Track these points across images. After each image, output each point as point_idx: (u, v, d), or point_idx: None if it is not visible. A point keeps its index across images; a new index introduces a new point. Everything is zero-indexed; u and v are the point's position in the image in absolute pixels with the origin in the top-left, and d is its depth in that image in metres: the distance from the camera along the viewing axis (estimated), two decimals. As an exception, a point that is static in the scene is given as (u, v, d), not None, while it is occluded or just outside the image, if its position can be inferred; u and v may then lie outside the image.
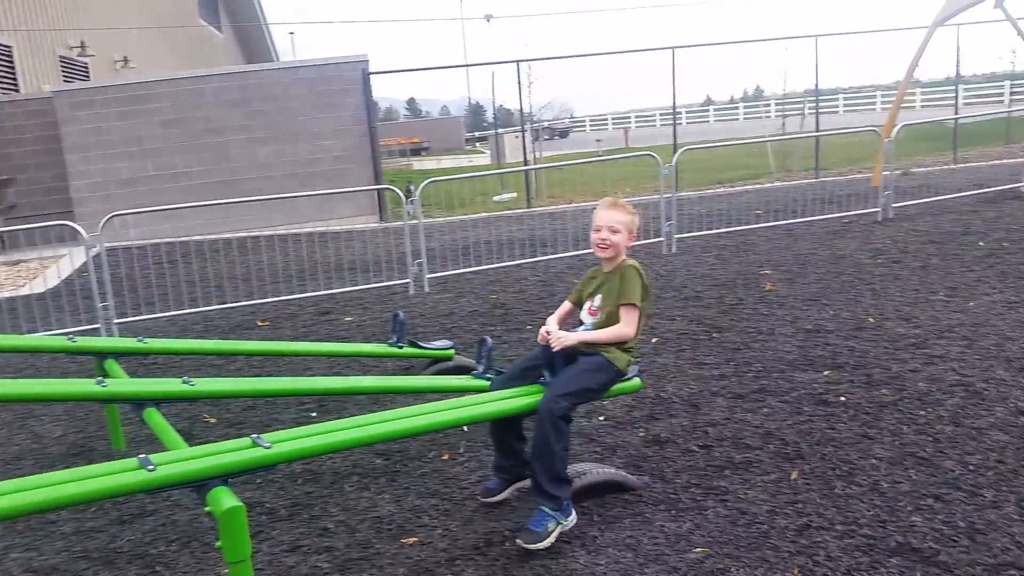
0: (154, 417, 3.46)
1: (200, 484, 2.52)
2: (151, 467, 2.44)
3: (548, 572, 2.85)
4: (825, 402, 4.09)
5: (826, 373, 4.52)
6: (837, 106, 41.58)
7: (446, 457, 3.94)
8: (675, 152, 12.50)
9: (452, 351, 5.15)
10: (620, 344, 3.33)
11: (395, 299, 7.79)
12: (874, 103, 40.66)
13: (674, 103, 15.94)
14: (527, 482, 3.50)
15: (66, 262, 9.33)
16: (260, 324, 7.22)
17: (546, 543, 3.02)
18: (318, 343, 5.17)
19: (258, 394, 3.92)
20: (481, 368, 4.34)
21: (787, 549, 2.83)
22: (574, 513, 3.17)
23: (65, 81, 16.57)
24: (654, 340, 5.50)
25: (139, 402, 3.56)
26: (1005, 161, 14.56)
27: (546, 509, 3.08)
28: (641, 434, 3.95)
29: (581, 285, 3.57)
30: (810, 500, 3.16)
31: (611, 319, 3.33)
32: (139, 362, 6.00)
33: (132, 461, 2.51)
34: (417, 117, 50.21)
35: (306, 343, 5.20)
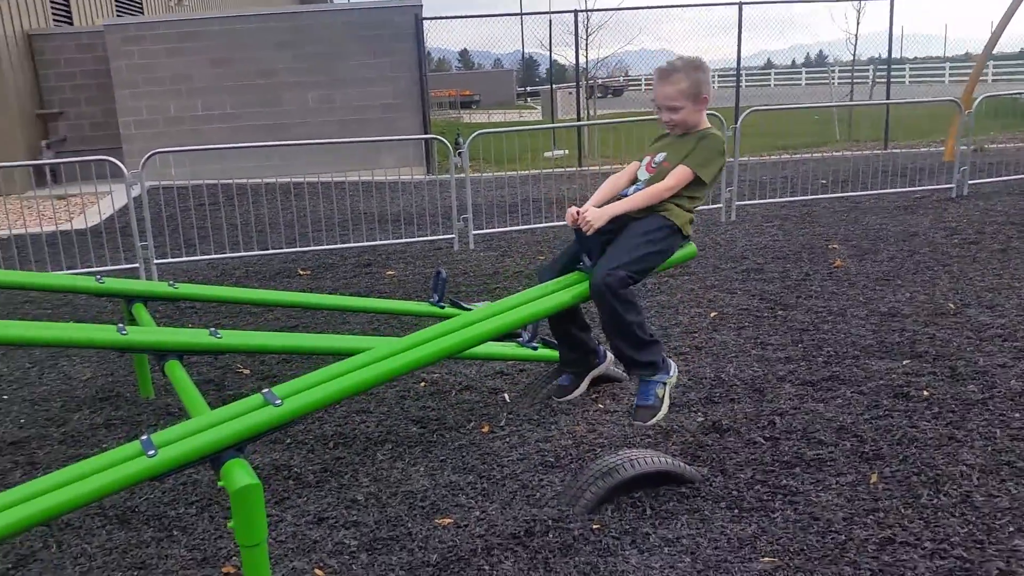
0: (176, 371, 3.22)
1: (212, 458, 2.26)
2: (152, 452, 2.18)
3: (596, 572, 2.56)
4: (905, 396, 3.71)
5: (905, 363, 4.12)
6: (903, 76, 39.87)
7: (486, 429, 3.66)
8: (737, 114, 11.94)
9: (496, 313, 4.85)
10: (677, 201, 2.94)
11: (439, 255, 7.50)
12: (943, 75, 38.91)
13: (738, 63, 15.25)
14: (602, 368, 3.24)
15: (111, 199, 9.21)
16: (301, 273, 7.01)
17: (663, 411, 2.93)
18: (356, 298, 4.90)
19: (289, 351, 3.66)
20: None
21: (868, 566, 2.50)
22: (673, 365, 3.01)
23: (118, 15, 16.40)
24: (712, 315, 5.13)
25: (161, 352, 3.32)
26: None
27: (647, 379, 2.92)
28: (700, 419, 3.62)
29: (651, 145, 3.18)
30: (892, 509, 2.81)
31: None
32: (170, 308, 5.82)
33: (133, 447, 2.25)
34: (469, 69, 49.36)
35: (345, 297, 4.93)
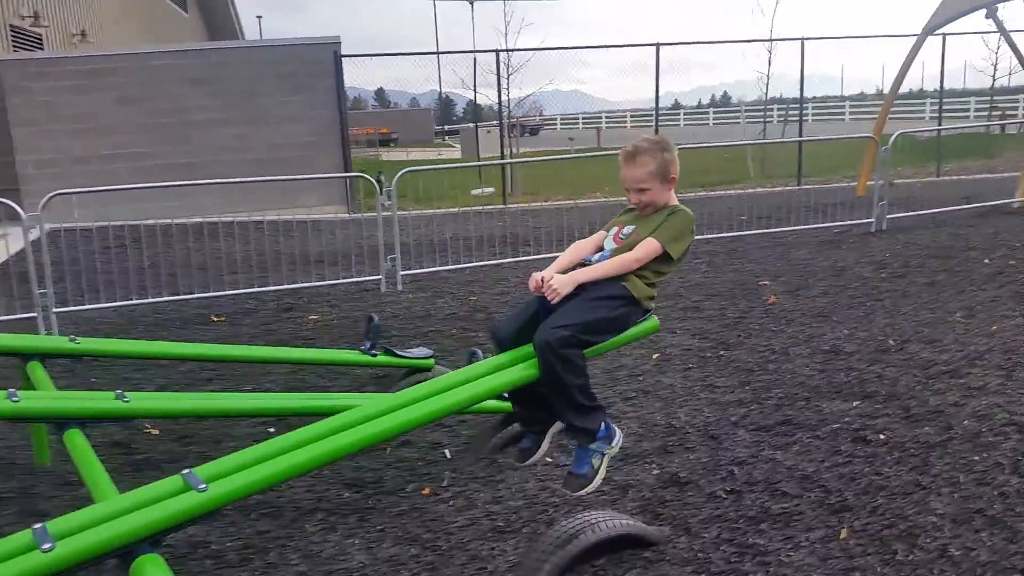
0: (76, 440, 2.83)
1: (122, 553, 1.91)
2: (48, 545, 1.83)
3: (562, 658, 2.30)
4: (864, 440, 3.59)
5: (855, 404, 4.02)
6: (807, 115, 41.55)
7: (427, 492, 3.37)
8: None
9: (432, 360, 4.57)
10: (640, 274, 2.79)
11: (365, 297, 7.17)
12: (843, 114, 40.73)
13: (656, 102, 15.49)
14: (559, 425, 2.98)
15: (6, 243, 8.59)
16: (215, 320, 6.57)
17: (596, 482, 2.71)
18: (279, 348, 4.54)
19: (204, 414, 3.29)
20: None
21: (856, 636, 2.31)
22: (617, 432, 2.76)
23: (14, 51, 15.57)
24: (656, 356, 4.97)
25: (59, 421, 2.93)
26: (987, 176, 14.35)
27: (584, 446, 2.69)
28: (656, 472, 3.41)
29: (617, 218, 3.05)
30: (870, 568, 2.64)
31: None
32: (71, 364, 5.31)
33: (24, 537, 1.89)
34: (386, 107, 49.17)
35: (265, 348, 4.57)
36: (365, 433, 2.40)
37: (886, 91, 16.78)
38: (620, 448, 2.78)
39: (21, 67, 12.38)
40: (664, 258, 2.81)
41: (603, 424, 2.71)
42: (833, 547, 2.78)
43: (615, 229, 2.96)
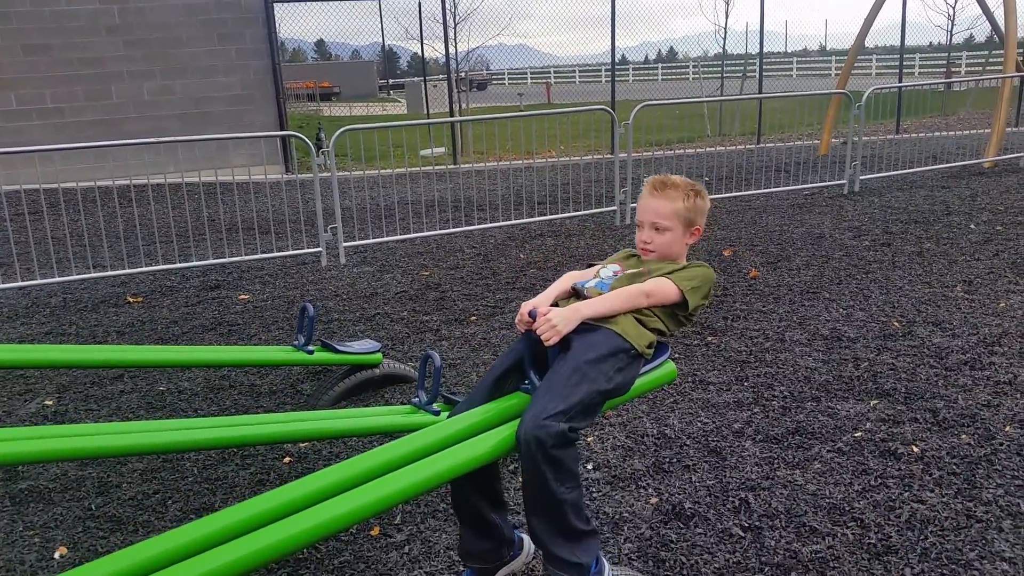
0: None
1: None
2: None
3: None
4: (893, 454, 3.04)
5: (874, 403, 3.48)
6: (754, 70, 41.30)
7: (376, 532, 2.72)
8: (615, 107, 11.35)
9: (380, 355, 3.90)
10: (637, 314, 2.23)
11: (303, 272, 6.42)
12: (790, 70, 40.56)
13: (613, 56, 14.80)
14: (518, 564, 2.36)
15: None
16: (131, 300, 5.77)
17: None
18: (195, 349, 3.77)
19: (73, 455, 2.53)
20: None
21: None
22: (607, 568, 2.12)
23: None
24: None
25: None
26: (946, 133, 14.04)
27: None
28: (654, 500, 2.82)
29: (611, 258, 2.52)
30: (940, 641, 2.10)
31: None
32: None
33: None
34: (326, 60, 47.37)
35: (181, 349, 3.78)
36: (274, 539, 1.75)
37: (829, 47, 16.31)
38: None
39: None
40: (678, 307, 2.27)
41: (595, 558, 2.07)
42: (886, 609, 2.23)
43: (615, 267, 2.41)
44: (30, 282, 6.13)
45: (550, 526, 2.00)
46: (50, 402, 3.95)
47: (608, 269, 2.40)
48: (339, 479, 1.94)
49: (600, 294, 2.26)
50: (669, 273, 2.28)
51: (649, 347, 2.23)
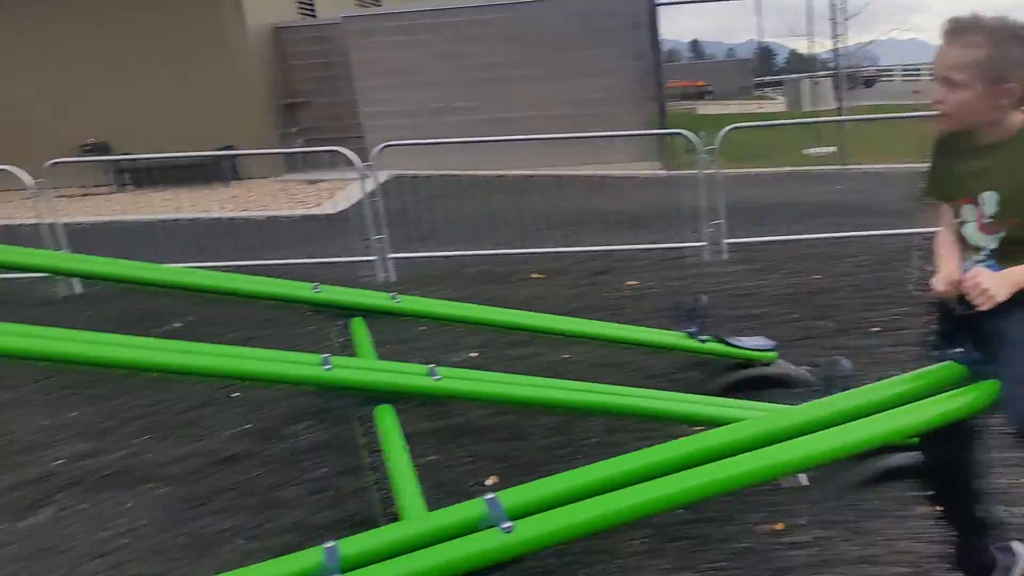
0: (385, 419, 2.59)
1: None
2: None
3: None
4: None
5: None
6: None
7: (780, 527, 2.70)
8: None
9: (774, 353, 3.86)
10: None
11: (682, 265, 6.54)
12: None
13: None
14: None
15: (352, 189, 9.46)
16: (535, 277, 6.35)
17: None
18: (591, 323, 4.01)
19: (520, 403, 2.84)
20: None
21: None
22: None
23: (358, 5, 16.85)
24: None
25: (368, 395, 2.69)
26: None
27: None
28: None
29: (940, 168, 2.08)
30: None
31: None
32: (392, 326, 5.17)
33: (314, 556, 1.60)
34: (700, 59, 47.46)
35: (576, 321, 4.05)
36: (741, 469, 1.82)
37: None
38: None
39: (359, 23, 13.29)
40: None
41: None
42: None
43: (967, 209, 1.99)
44: (449, 252, 7.05)
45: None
46: (474, 354, 4.52)
47: (971, 229, 2.00)
48: (774, 428, 2.00)
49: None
50: None
51: None
